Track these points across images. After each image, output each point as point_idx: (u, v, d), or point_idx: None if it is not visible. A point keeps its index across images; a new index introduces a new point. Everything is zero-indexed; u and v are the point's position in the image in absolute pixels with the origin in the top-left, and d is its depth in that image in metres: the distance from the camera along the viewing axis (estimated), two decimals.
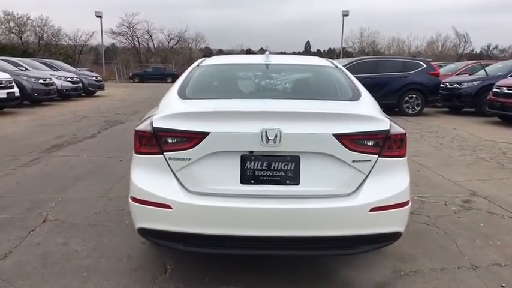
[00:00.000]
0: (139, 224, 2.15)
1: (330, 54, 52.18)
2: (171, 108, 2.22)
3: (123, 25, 44.75)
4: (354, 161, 2.04)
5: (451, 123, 9.75)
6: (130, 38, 45.90)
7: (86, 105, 13.30)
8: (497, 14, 73.23)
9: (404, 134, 2.20)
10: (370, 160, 2.06)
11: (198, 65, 3.08)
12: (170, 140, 2.07)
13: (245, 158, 2.05)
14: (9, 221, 3.31)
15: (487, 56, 46.36)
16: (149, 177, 2.12)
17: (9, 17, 38.16)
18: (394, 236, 2.16)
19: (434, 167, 5.41)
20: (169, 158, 2.07)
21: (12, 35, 39.48)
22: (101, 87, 18.27)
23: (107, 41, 47.49)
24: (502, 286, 2.44)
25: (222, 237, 2.03)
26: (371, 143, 2.07)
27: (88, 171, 4.94)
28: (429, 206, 3.85)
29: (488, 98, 9.74)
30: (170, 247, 2.17)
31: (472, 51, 48.60)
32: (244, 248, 2.09)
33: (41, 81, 12.23)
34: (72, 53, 40.11)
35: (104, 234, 3.06)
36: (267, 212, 2.00)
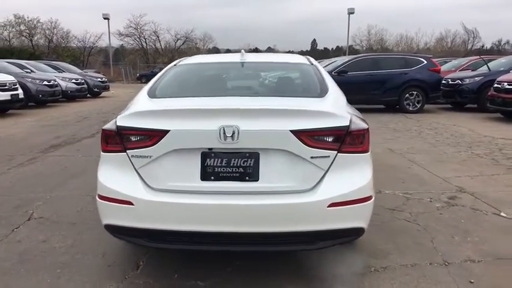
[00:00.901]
0: (105, 221, 2.20)
1: (337, 52, 51.85)
2: (135, 107, 2.27)
3: (131, 26, 45.10)
4: (312, 157, 2.06)
5: (452, 120, 9.66)
6: (137, 39, 46.26)
7: (90, 106, 13.48)
8: (508, 9, 71.99)
9: (366, 129, 2.21)
10: (328, 156, 2.08)
11: (175, 65, 3.12)
12: (132, 138, 2.11)
13: (205, 155, 2.09)
14: None
15: (497, 51, 45.61)
16: (113, 175, 2.18)
17: (20, 20, 38.88)
18: (355, 232, 2.17)
19: (426, 163, 5.38)
20: (132, 156, 2.11)
21: (23, 37, 40.14)
22: (106, 88, 18.48)
23: (116, 42, 47.96)
24: (471, 282, 2.43)
25: (183, 233, 2.07)
26: (329, 139, 2.08)
27: (81, 170, 5.02)
28: (413, 203, 3.84)
29: (489, 93, 9.61)
30: (135, 243, 2.22)
31: (482, 46, 47.90)
32: (206, 244, 2.12)
33: (45, 83, 12.43)
34: (79, 55, 40.56)
35: (84, 232, 3.13)
36: (226, 208, 2.03)
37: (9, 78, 10.32)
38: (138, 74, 36.94)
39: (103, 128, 2.24)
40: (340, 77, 10.99)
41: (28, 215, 3.51)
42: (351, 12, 36.93)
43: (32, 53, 28.42)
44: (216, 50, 63.04)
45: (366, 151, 2.20)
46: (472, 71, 12.28)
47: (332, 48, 68.38)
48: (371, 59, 11.68)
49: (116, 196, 2.11)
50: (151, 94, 2.53)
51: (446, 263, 2.65)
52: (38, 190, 4.18)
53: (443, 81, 11.55)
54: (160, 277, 2.48)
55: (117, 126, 2.14)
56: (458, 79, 11.44)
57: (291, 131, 2.02)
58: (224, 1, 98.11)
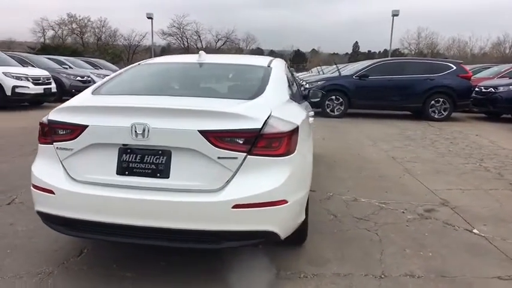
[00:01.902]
0: (35, 207, 2.35)
1: (383, 55, 50.39)
2: (68, 102, 2.40)
3: (174, 26, 46.56)
4: (219, 157, 2.08)
5: (476, 130, 9.15)
6: (180, 38, 47.61)
7: None
8: None
9: (284, 133, 2.19)
10: (236, 158, 2.09)
11: (139, 63, 3.25)
12: (59, 131, 2.25)
13: (122, 151, 2.18)
14: None
15: None
16: (43, 165, 2.33)
17: (72, 19, 41.33)
18: (264, 235, 2.17)
19: (422, 174, 5.17)
20: (57, 148, 2.25)
21: (75, 35, 42.64)
22: None
23: (161, 41, 49.61)
24: None
25: (97, 224, 2.17)
26: (238, 141, 2.09)
27: None
28: (384, 213, 3.72)
29: None
30: (57, 231, 2.35)
31: None
32: (117, 235, 2.21)
33: (79, 78, 13.19)
34: (119, 53, 42.39)
35: None
36: (136, 202, 2.10)
37: (43, 73, 11.05)
38: None
39: (40, 121, 2.39)
40: (361, 81, 10.77)
41: (11, 199, 3.78)
42: (395, 14, 35.66)
43: (74, 50, 30.19)
44: (259, 51, 63.50)
45: (282, 155, 2.19)
46: (510, 78, 11.57)
47: (380, 51, 66.55)
48: (394, 63, 11.32)
49: (42, 185, 2.26)
50: (96, 91, 2.66)
51: (383, 276, 2.57)
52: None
53: (476, 89, 10.96)
54: (96, 265, 2.61)
55: (48, 120, 2.29)
56: (491, 87, 10.83)
57: (198, 131, 2.06)
58: (268, 2, 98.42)
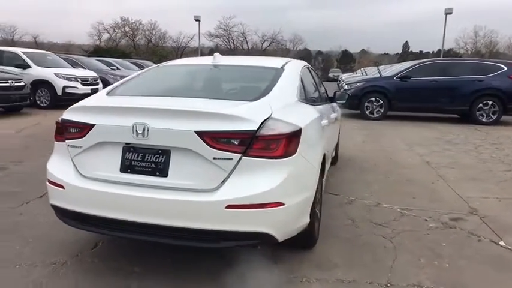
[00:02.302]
0: (50, 201, 2.51)
1: (435, 55, 48.10)
2: (80, 102, 2.53)
3: (220, 28, 47.41)
4: (215, 158, 2.10)
5: None
6: (226, 40, 48.40)
7: None
8: None
9: (281, 135, 2.17)
10: (231, 159, 2.10)
11: (157, 66, 3.36)
12: (71, 130, 2.39)
13: (125, 149, 2.27)
14: None
15: None
16: (56, 161, 2.48)
17: (125, 22, 43.40)
18: (259, 236, 2.16)
19: (456, 180, 4.89)
20: (68, 145, 2.39)
21: (127, 38, 44.73)
22: None
23: (208, 43, 50.71)
24: None
25: (101, 219, 2.28)
26: (233, 142, 2.10)
27: None
28: (405, 220, 3.57)
29: None
30: (66, 223, 2.48)
31: None
32: (119, 230, 2.29)
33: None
34: (167, 54, 43.78)
35: None
36: (136, 199, 2.18)
37: (91, 74, 11.71)
38: None
39: (56, 120, 2.55)
40: (403, 83, 10.37)
41: (42, 193, 4.04)
42: (448, 12, 33.92)
43: (123, 52, 31.67)
44: (306, 52, 63.06)
45: (279, 157, 2.17)
46: None
47: (432, 52, 63.60)
48: (439, 64, 10.76)
49: (54, 180, 2.41)
50: (111, 92, 2.78)
51: (388, 285, 2.47)
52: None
53: None
54: (108, 259, 2.73)
55: (62, 119, 2.44)
56: None
57: (195, 131, 2.10)
58: (316, 3, 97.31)
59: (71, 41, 49.10)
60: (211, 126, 2.10)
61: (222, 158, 2.10)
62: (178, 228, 2.14)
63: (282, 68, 3.06)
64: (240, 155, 2.10)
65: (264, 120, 2.17)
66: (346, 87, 11.58)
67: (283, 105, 2.49)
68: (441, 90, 10.09)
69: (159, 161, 2.20)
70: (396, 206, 3.90)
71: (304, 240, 2.82)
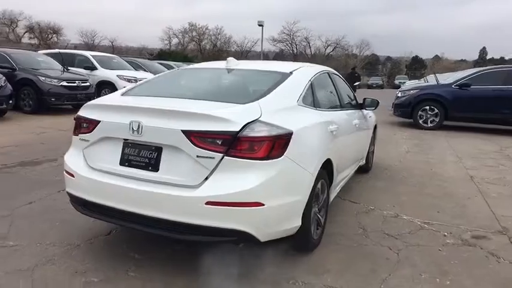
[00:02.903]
0: (66, 189, 2.79)
1: None
2: (93, 101, 2.79)
3: (284, 33, 47.72)
4: (198, 156, 2.22)
5: None
6: (289, 44, 48.58)
7: None
8: None
9: (264, 137, 2.23)
10: (213, 158, 2.20)
11: (178, 68, 3.57)
12: (83, 125, 2.65)
13: (125, 144, 2.47)
14: None
15: None
16: (71, 153, 2.77)
17: (192, 27, 45.47)
18: (238, 234, 2.22)
19: (496, 197, 4.54)
20: (80, 139, 2.65)
21: (194, 42, 46.81)
22: None
23: (271, 48, 51.31)
24: None
25: (102, 206, 2.50)
26: (217, 142, 2.20)
27: None
28: (422, 233, 3.41)
29: None
30: (76, 209, 2.73)
31: None
32: (115, 218, 2.49)
33: None
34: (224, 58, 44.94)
35: None
36: (129, 190, 2.37)
37: (150, 76, 12.46)
38: None
39: (74, 116, 2.84)
40: (462, 91, 9.74)
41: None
42: None
43: (185, 56, 33.16)
44: (374, 57, 61.00)
45: (262, 158, 2.23)
46: None
47: None
48: (503, 72, 9.88)
49: (68, 169, 2.69)
50: (127, 92, 3.02)
51: None
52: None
53: None
54: (115, 245, 2.97)
55: (77, 115, 2.72)
56: None
57: (182, 130, 2.24)
58: (385, 7, 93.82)
59: (144, 45, 52.49)
60: (197, 126, 2.22)
61: (205, 157, 2.21)
62: (163, 219, 2.29)
63: (290, 72, 3.10)
64: (222, 155, 2.20)
65: (249, 123, 2.24)
66: (399, 94, 11.12)
67: (277, 109, 2.53)
68: (505, 100, 9.30)
69: (152, 156, 2.38)
70: (417, 219, 3.73)
71: (300, 244, 2.83)
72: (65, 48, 20.62)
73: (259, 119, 2.32)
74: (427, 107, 10.07)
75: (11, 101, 8.42)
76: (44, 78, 9.34)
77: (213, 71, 3.53)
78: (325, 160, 2.88)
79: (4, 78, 8.35)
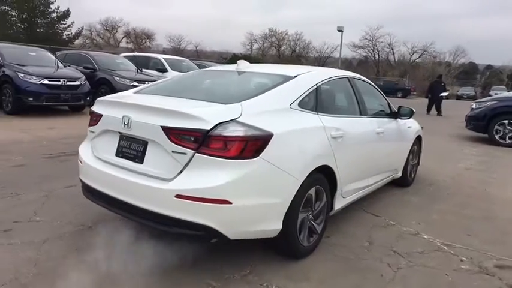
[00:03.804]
0: (79, 175, 3.10)
1: None
2: (104, 97, 3.04)
3: (366, 38, 46.21)
4: (173, 151, 2.33)
5: None
6: (371, 51, 46.92)
7: None
8: None
9: (236, 137, 2.27)
10: (186, 153, 2.29)
11: (198, 69, 3.76)
12: (93, 118, 2.93)
13: (120, 137, 2.68)
14: None
15: None
16: (84, 143, 3.08)
17: (272, 33, 46.25)
18: (204, 229, 2.27)
19: None
20: (89, 131, 2.94)
21: (273, 48, 47.56)
22: None
23: (352, 54, 50.05)
24: None
25: (99, 192, 2.74)
26: (189, 139, 2.29)
27: None
28: (436, 255, 3.14)
29: None
30: (84, 195, 2.99)
31: None
32: (107, 203, 2.70)
33: None
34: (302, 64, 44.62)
35: None
36: (118, 179, 2.57)
37: None
38: None
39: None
40: None
41: None
42: None
43: (257, 60, 33.80)
44: (471, 66, 55.95)
45: (234, 157, 2.27)
46: None
47: None
48: None
49: (79, 157, 2.99)
50: (139, 90, 3.26)
51: None
52: None
53: None
54: (119, 231, 3.16)
55: (90, 109, 3.01)
56: None
57: (161, 126, 2.37)
58: (486, 8, 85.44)
59: (228, 50, 54.74)
60: (173, 123, 2.35)
61: (179, 152, 2.32)
62: (141, 208, 2.44)
63: (294, 76, 3.08)
64: (193, 151, 2.29)
65: (223, 122, 2.30)
66: (474, 105, 10.15)
67: (262, 111, 2.54)
68: None
69: (139, 149, 2.55)
70: (439, 240, 3.43)
71: (284, 249, 2.80)
72: (162, 53, 22.33)
73: (237, 119, 2.36)
74: (506, 121, 9.07)
75: (88, 98, 9.43)
76: (118, 78, 10.30)
77: (221, 73, 3.66)
78: (319, 166, 2.81)
79: (84, 77, 9.39)
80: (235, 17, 73.84)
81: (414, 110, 4.41)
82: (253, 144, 2.34)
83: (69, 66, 10.11)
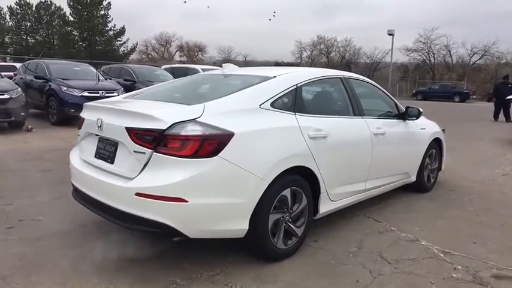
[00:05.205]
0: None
1: None
2: (89, 103, 3.21)
3: (420, 41, 44.20)
4: (134, 151, 2.42)
5: None
6: (425, 54, 44.77)
7: None
8: None
9: (191, 136, 2.31)
10: (145, 153, 2.37)
11: (199, 73, 3.87)
12: (80, 122, 3.12)
13: (99, 140, 2.84)
14: None
15: None
16: (74, 147, 3.28)
17: (321, 40, 45.86)
18: (161, 226, 2.32)
19: None
20: (77, 135, 3.14)
21: (322, 55, 47.11)
22: None
23: (404, 58, 48.12)
24: None
25: (81, 192, 2.90)
26: (147, 138, 2.37)
27: None
28: (428, 263, 2.94)
29: None
30: (72, 196, 3.16)
31: None
32: (87, 203, 2.84)
33: None
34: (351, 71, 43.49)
35: None
36: (94, 179, 2.70)
37: None
38: (414, 90, 35.99)
39: None
40: None
41: None
42: None
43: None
44: None
45: (188, 156, 2.30)
46: None
47: None
48: None
49: (69, 161, 3.19)
50: (129, 95, 3.42)
51: None
52: None
53: None
54: (112, 230, 3.35)
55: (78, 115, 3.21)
56: None
57: (125, 127, 2.48)
58: None
59: (278, 59, 55.06)
60: (135, 124, 2.45)
61: (139, 152, 2.41)
62: (109, 207, 2.56)
63: (273, 76, 3.06)
64: (151, 151, 2.37)
65: (180, 122, 2.36)
66: None
67: (226, 111, 2.56)
68: None
69: (111, 150, 2.68)
70: (437, 247, 3.21)
71: (254, 250, 2.78)
72: (213, 65, 23.32)
73: (197, 119, 2.40)
74: None
75: None
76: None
77: (209, 77, 3.74)
78: (293, 166, 2.76)
79: (122, 89, 9.92)
80: (289, 27, 74.22)
81: (421, 110, 4.17)
82: (211, 143, 2.36)
83: (110, 79, 10.77)
